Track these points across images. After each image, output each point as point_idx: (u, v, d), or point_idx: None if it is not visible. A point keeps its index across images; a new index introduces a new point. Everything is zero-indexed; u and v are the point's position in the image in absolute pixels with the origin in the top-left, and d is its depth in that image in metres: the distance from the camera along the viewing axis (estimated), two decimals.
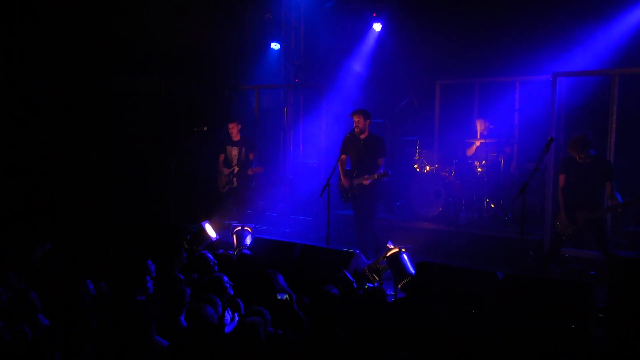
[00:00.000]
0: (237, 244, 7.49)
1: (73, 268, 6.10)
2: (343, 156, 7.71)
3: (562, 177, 6.77)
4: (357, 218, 7.80)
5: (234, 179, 9.02)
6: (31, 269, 6.10)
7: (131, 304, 4.60)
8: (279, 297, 5.01)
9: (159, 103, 10.12)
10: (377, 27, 10.65)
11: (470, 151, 9.20)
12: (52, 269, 6.00)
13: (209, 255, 6.24)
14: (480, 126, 9.12)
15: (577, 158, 6.51)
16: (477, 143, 8.98)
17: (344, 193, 7.77)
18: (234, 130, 9.00)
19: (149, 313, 4.33)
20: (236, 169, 9.06)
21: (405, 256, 6.11)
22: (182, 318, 4.76)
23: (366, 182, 7.41)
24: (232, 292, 5.39)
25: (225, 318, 4.97)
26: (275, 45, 11.54)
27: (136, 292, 5.32)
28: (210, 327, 4.33)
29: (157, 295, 5.31)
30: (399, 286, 5.96)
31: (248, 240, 7.48)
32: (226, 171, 9.14)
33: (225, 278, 5.44)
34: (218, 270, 6.04)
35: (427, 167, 9.32)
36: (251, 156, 9.10)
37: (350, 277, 5.68)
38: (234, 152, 9.09)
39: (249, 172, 8.78)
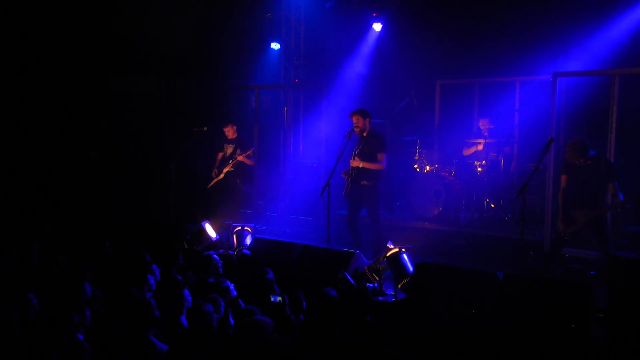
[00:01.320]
0: (237, 244, 7.49)
1: (71, 268, 6.09)
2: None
3: (563, 178, 6.77)
4: (351, 215, 7.77)
5: (221, 174, 8.97)
6: (30, 269, 6.09)
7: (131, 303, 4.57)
8: (272, 299, 4.98)
9: (159, 103, 10.11)
10: (377, 27, 10.64)
11: (467, 151, 9.18)
12: (51, 269, 5.99)
13: (215, 256, 6.22)
14: (483, 126, 9.12)
15: (577, 162, 6.52)
16: (480, 146, 8.95)
17: (345, 189, 7.76)
18: (230, 132, 9.01)
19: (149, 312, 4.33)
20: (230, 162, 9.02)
21: (405, 256, 6.12)
22: (183, 319, 4.77)
23: (356, 164, 7.45)
24: (234, 293, 5.39)
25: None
26: (275, 45, 11.55)
27: (141, 290, 5.31)
28: (210, 325, 4.32)
29: (158, 294, 5.31)
30: (399, 286, 5.96)
31: (248, 240, 7.48)
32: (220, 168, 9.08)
33: (228, 282, 5.45)
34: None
35: (427, 167, 9.31)
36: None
37: (351, 279, 5.67)
38: (229, 150, 9.08)
39: (239, 157, 8.78)
